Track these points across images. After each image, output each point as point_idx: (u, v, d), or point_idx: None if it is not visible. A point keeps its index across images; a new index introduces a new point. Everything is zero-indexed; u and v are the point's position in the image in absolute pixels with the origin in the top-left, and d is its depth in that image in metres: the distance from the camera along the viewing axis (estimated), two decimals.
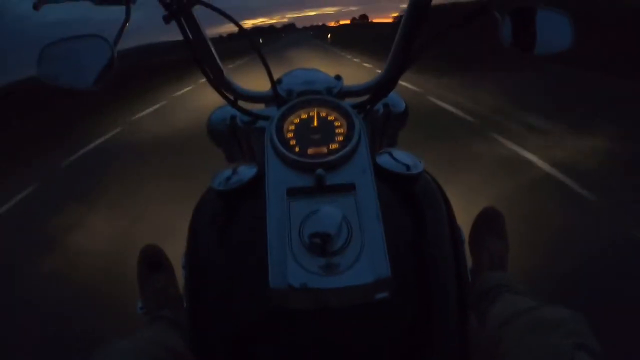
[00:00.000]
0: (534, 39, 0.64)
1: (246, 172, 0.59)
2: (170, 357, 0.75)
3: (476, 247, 1.16)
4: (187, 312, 0.60)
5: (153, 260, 1.21)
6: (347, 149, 0.52)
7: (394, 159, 0.60)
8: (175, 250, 0.97)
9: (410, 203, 0.60)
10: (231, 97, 0.64)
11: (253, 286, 0.51)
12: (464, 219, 0.95)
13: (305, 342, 0.51)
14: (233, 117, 0.74)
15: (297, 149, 0.53)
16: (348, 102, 0.68)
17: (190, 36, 0.60)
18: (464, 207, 1.17)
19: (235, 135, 0.75)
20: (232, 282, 0.55)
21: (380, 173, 0.57)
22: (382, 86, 0.65)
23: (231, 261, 0.57)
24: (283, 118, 0.57)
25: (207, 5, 0.58)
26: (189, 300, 0.60)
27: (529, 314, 0.77)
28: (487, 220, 1.21)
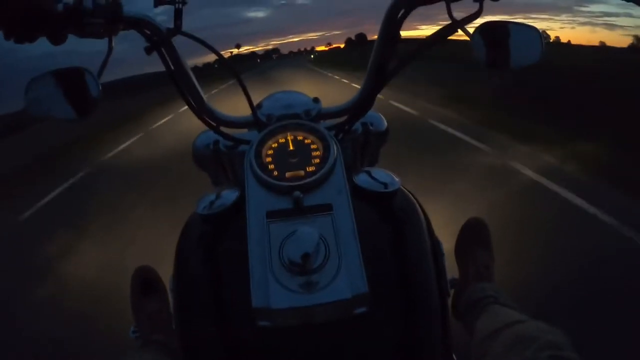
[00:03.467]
0: (508, 54, 0.66)
1: (229, 196, 0.61)
2: None
3: (462, 258, 1.17)
4: (176, 334, 0.61)
5: (146, 283, 1.20)
6: (323, 171, 0.54)
7: (372, 177, 0.61)
8: None
9: (389, 220, 0.62)
10: (213, 124, 0.66)
11: (239, 307, 0.52)
12: None
13: (294, 359, 0.52)
14: (216, 142, 0.75)
15: (275, 173, 0.55)
16: (326, 123, 0.70)
17: (172, 66, 0.62)
18: None
19: (219, 159, 0.77)
20: (219, 304, 0.56)
21: (359, 192, 0.58)
22: (359, 106, 0.67)
23: (217, 284, 0.58)
24: (261, 143, 0.59)
25: (187, 35, 0.60)
26: (178, 323, 0.61)
27: (510, 329, 0.79)
28: (472, 231, 1.22)
